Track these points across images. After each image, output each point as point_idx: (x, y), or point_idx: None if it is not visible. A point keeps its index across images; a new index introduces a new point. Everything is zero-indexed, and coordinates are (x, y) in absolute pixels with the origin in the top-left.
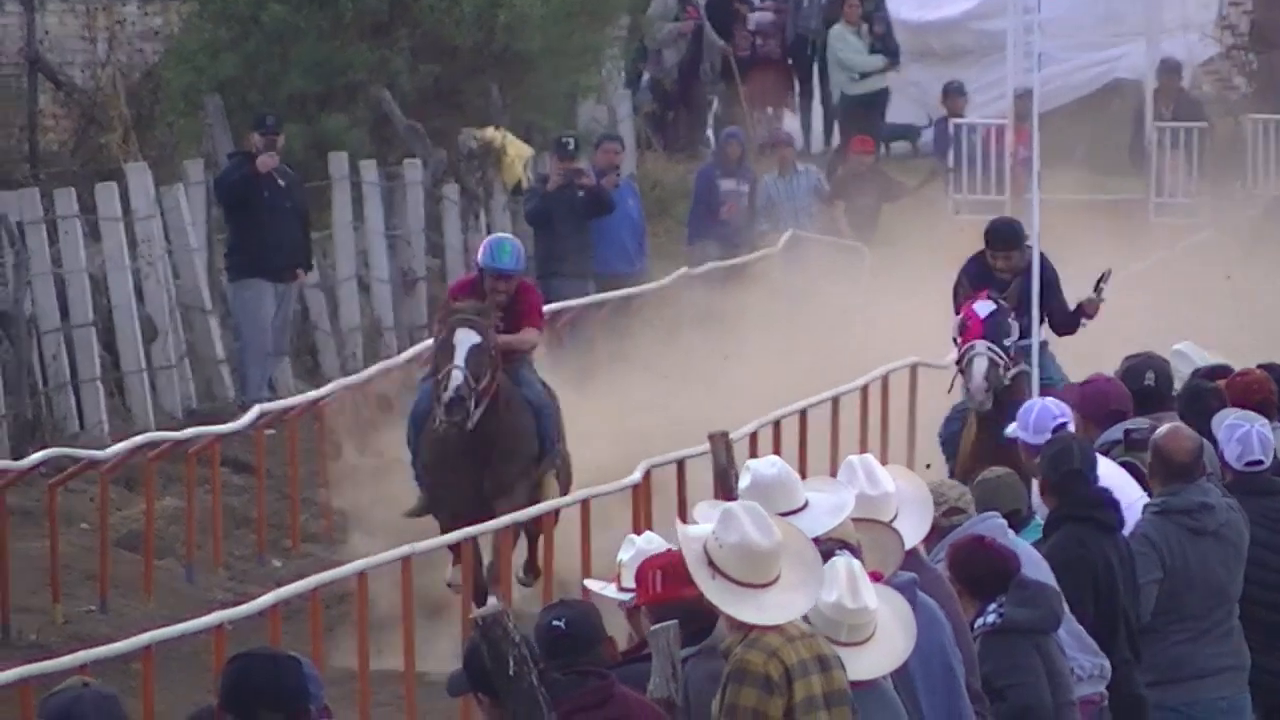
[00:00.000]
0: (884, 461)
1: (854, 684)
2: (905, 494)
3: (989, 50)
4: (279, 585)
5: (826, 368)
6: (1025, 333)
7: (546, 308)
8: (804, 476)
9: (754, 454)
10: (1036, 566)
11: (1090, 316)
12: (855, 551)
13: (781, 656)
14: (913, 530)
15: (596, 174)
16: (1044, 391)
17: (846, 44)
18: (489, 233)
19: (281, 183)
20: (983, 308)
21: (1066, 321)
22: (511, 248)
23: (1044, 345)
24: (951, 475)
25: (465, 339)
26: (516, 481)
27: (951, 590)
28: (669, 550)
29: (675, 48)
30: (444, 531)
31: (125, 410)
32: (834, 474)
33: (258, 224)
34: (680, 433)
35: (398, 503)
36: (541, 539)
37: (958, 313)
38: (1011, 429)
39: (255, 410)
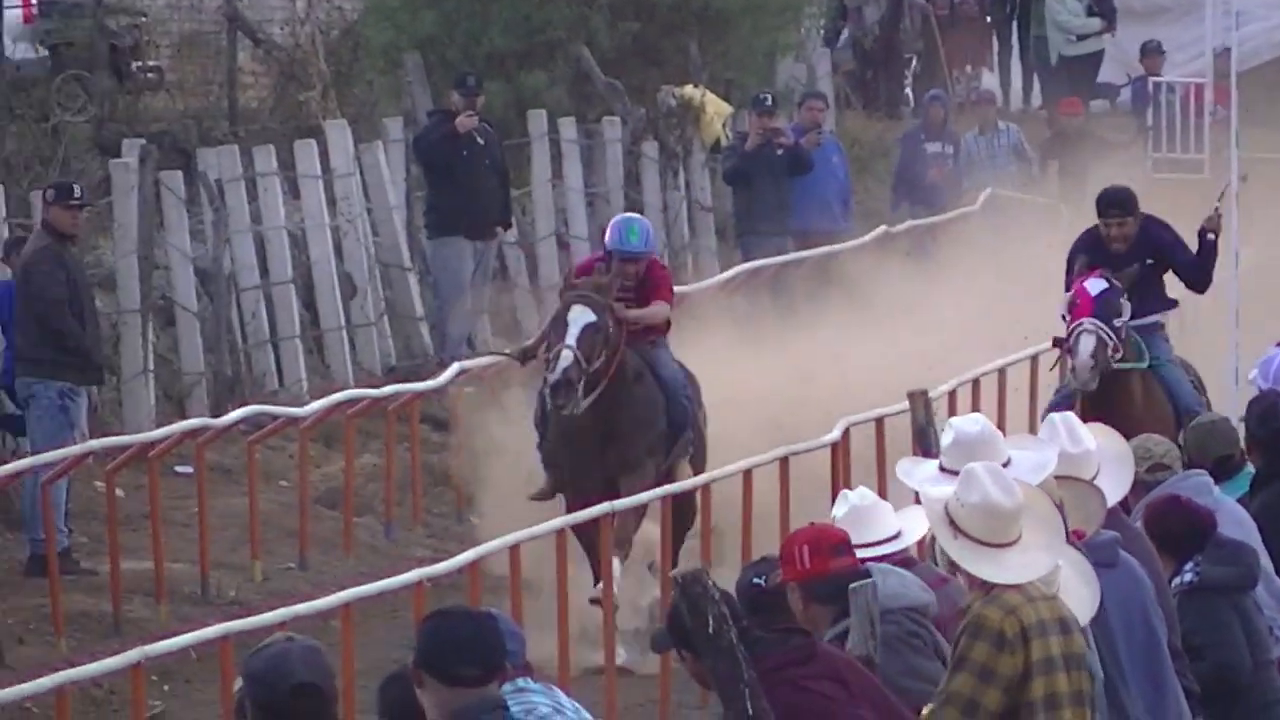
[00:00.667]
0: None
1: None
2: (1106, 451)
3: (1188, 8)
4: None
5: (1025, 325)
6: (1137, 314)
7: (745, 265)
8: (1004, 434)
9: (952, 412)
10: (1238, 524)
11: (1215, 233)
12: (1059, 509)
13: (1020, 615)
14: (1114, 487)
15: (800, 131)
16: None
17: (1065, 6)
18: (688, 191)
19: (480, 141)
20: (1094, 285)
21: (1198, 267)
22: (640, 228)
23: (1158, 326)
24: None
25: (580, 317)
26: (643, 458)
27: (1153, 548)
28: (813, 525)
29: (875, 5)
30: (578, 532)
31: (324, 367)
32: (1033, 432)
33: (457, 182)
34: (878, 390)
35: None
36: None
37: (1069, 289)
38: (1252, 375)
39: (455, 367)
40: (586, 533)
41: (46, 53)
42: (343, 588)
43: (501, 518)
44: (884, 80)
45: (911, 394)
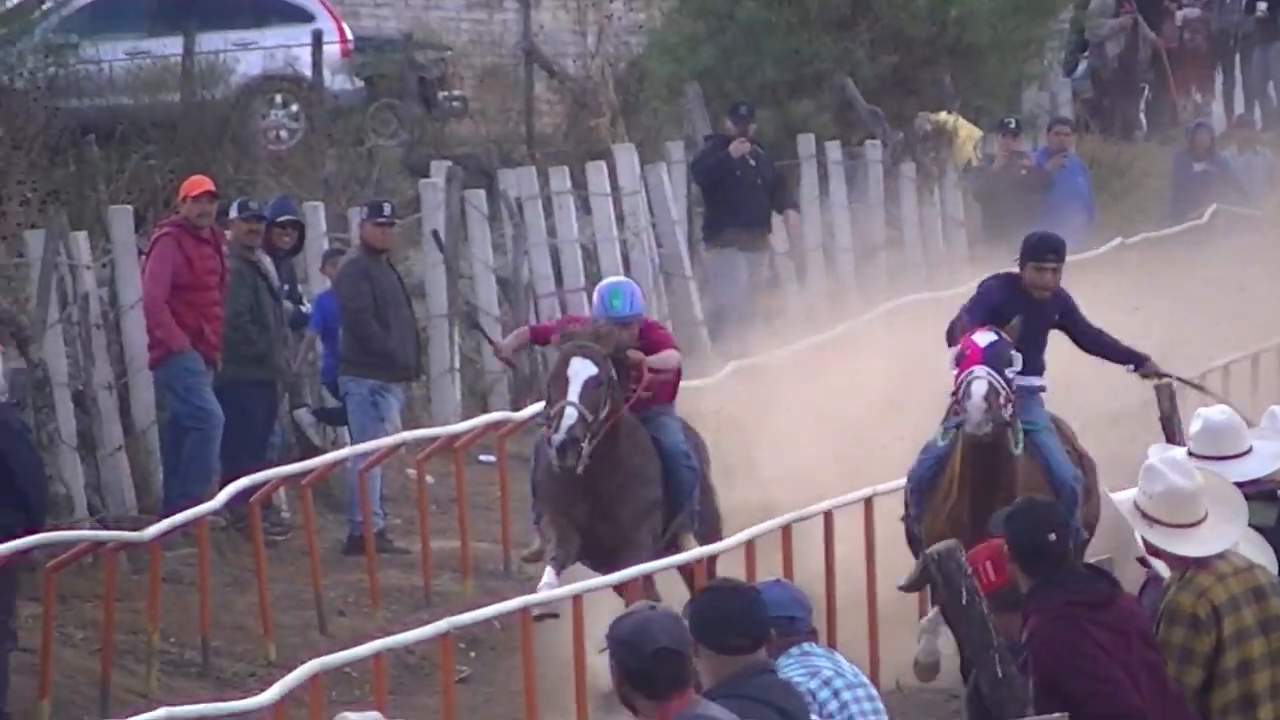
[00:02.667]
0: None
1: None
2: None
3: None
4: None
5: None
6: (1030, 369)
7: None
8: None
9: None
10: None
11: (1143, 376)
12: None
13: (1210, 596)
14: None
15: (1047, 154)
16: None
17: None
18: (943, 207)
19: (752, 162)
20: (983, 337)
21: (1108, 346)
22: (624, 291)
23: (1037, 390)
24: (920, 520)
25: (580, 370)
26: (638, 526)
27: None
28: (990, 541)
29: (1116, 40)
30: (555, 543)
31: None
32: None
33: (731, 199)
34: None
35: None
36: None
37: (954, 344)
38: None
39: (730, 366)
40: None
41: (362, 84)
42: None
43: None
44: (1120, 107)
45: (1158, 386)
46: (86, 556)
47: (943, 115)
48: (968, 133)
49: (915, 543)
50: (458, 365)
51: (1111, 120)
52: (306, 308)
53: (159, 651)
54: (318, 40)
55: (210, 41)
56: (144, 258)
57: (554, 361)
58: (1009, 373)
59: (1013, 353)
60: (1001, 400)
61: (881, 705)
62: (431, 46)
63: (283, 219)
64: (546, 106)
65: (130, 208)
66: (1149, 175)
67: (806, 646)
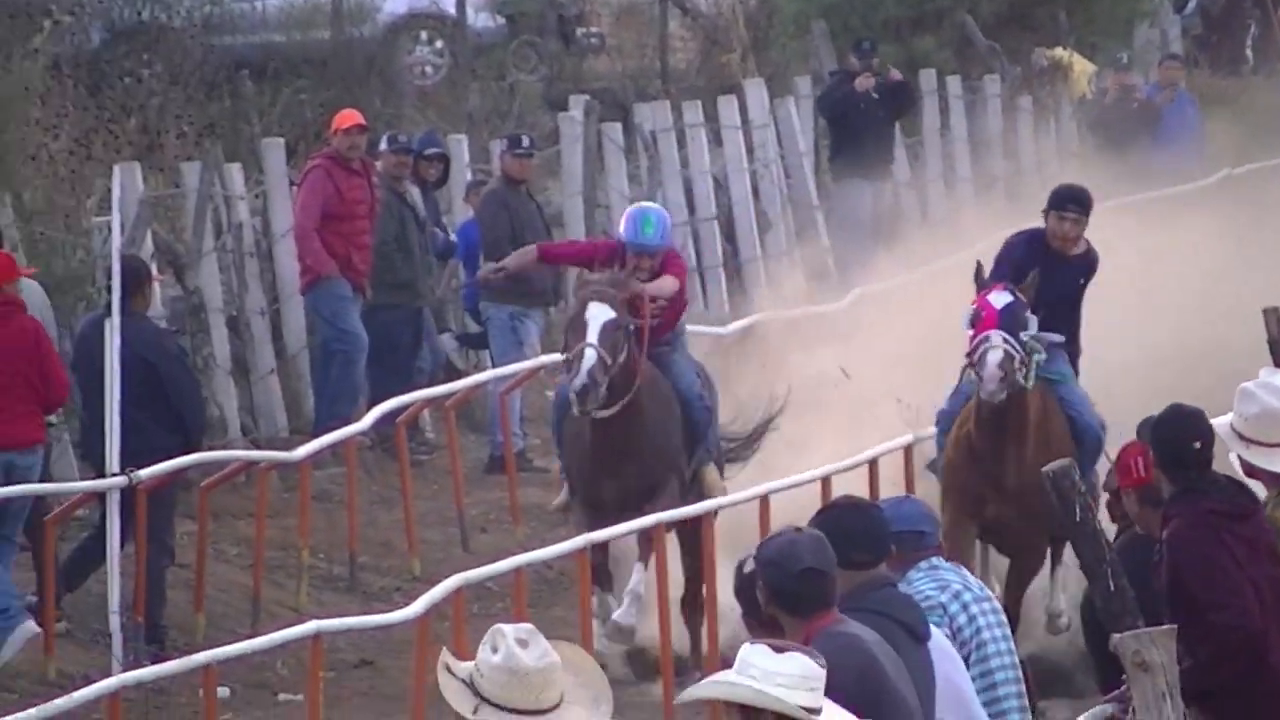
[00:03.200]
0: None
1: None
2: None
3: None
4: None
5: None
6: (1048, 323)
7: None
8: None
9: None
10: None
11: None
12: None
13: None
14: None
15: (1158, 88)
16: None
17: None
18: (1058, 138)
19: (876, 96)
20: (999, 299)
21: (1067, 324)
22: (656, 219)
23: (1061, 345)
24: (936, 463)
25: (598, 314)
26: (663, 483)
27: None
28: (1137, 442)
29: None
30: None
31: (742, 292)
32: None
33: (855, 132)
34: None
35: None
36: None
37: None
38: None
39: (855, 292)
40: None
41: (504, 21)
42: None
43: None
44: (1227, 43)
45: (1265, 310)
46: (239, 476)
47: (1058, 51)
48: (1082, 68)
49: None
50: None
51: (1219, 55)
52: (452, 237)
53: (308, 567)
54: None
55: None
56: (295, 189)
57: (572, 307)
58: (1024, 335)
59: (1028, 314)
60: (1016, 364)
61: (1005, 619)
62: None
63: (429, 152)
64: (680, 43)
65: (282, 141)
66: (1255, 109)
67: (935, 561)
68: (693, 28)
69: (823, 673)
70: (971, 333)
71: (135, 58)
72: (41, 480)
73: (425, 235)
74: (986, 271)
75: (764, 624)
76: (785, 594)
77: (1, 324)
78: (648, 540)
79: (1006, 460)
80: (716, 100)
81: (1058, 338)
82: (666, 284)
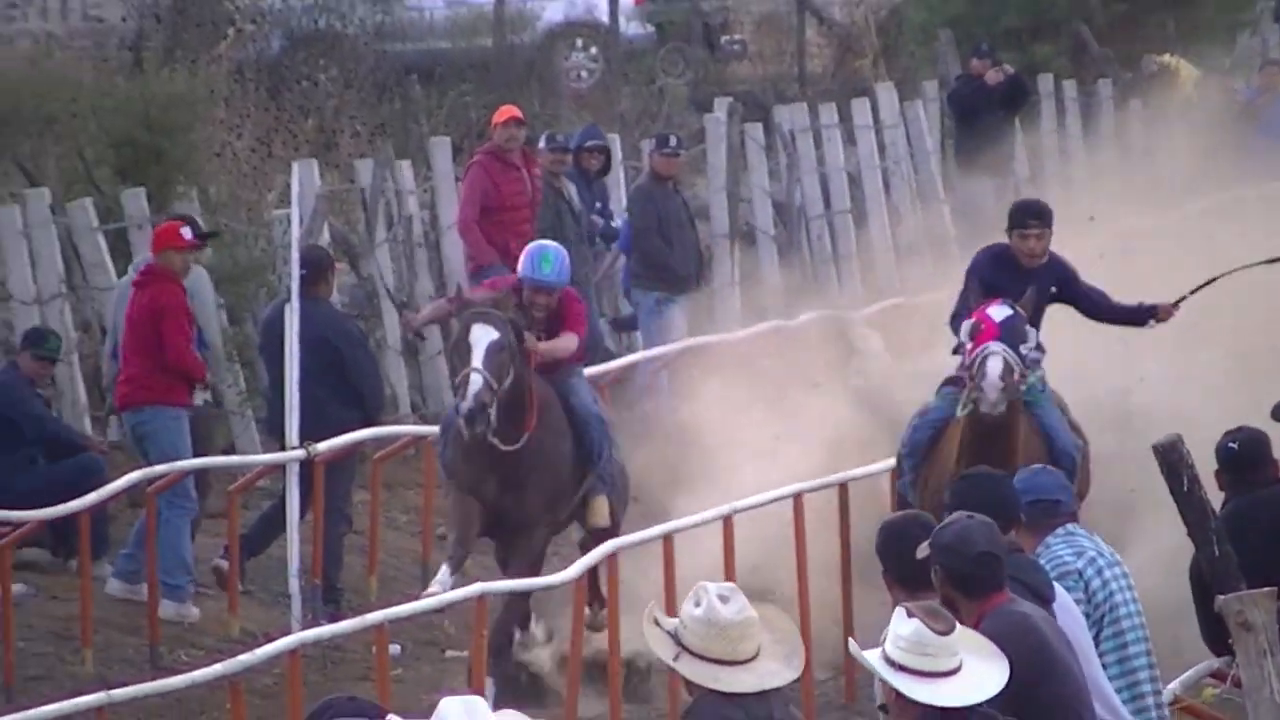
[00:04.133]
0: None
1: None
2: None
3: None
4: None
5: None
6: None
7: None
8: None
9: None
10: None
11: (1161, 320)
12: None
13: None
14: None
15: (1259, 91)
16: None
17: None
18: (1166, 139)
19: (998, 93)
20: (999, 311)
21: (1110, 311)
22: (554, 256)
23: (1037, 361)
24: (915, 484)
25: (482, 336)
26: (539, 520)
27: None
28: None
29: None
30: (454, 540)
31: (875, 280)
32: None
33: (979, 129)
34: None
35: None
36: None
37: (967, 317)
38: None
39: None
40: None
41: (653, 29)
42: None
43: None
44: None
45: None
46: (409, 449)
47: (1166, 57)
48: (1188, 73)
49: (906, 507)
50: (738, 279)
51: None
52: (616, 222)
53: None
54: None
55: None
56: (459, 184)
57: (455, 330)
58: (1023, 348)
59: (1027, 328)
60: (1016, 377)
61: (1133, 583)
62: None
63: (590, 144)
64: (816, 49)
65: (448, 139)
66: None
67: (1070, 528)
68: (828, 35)
69: (939, 639)
70: (970, 345)
71: (312, 63)
72: (204, 450)
73: (581, 226)
74: (958, 288)
75: (903, 583)
76: (961, 577)
77: (138, 291)
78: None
79: None
80: (850, 102)
81: (1035, 354)
82: (563, 344)
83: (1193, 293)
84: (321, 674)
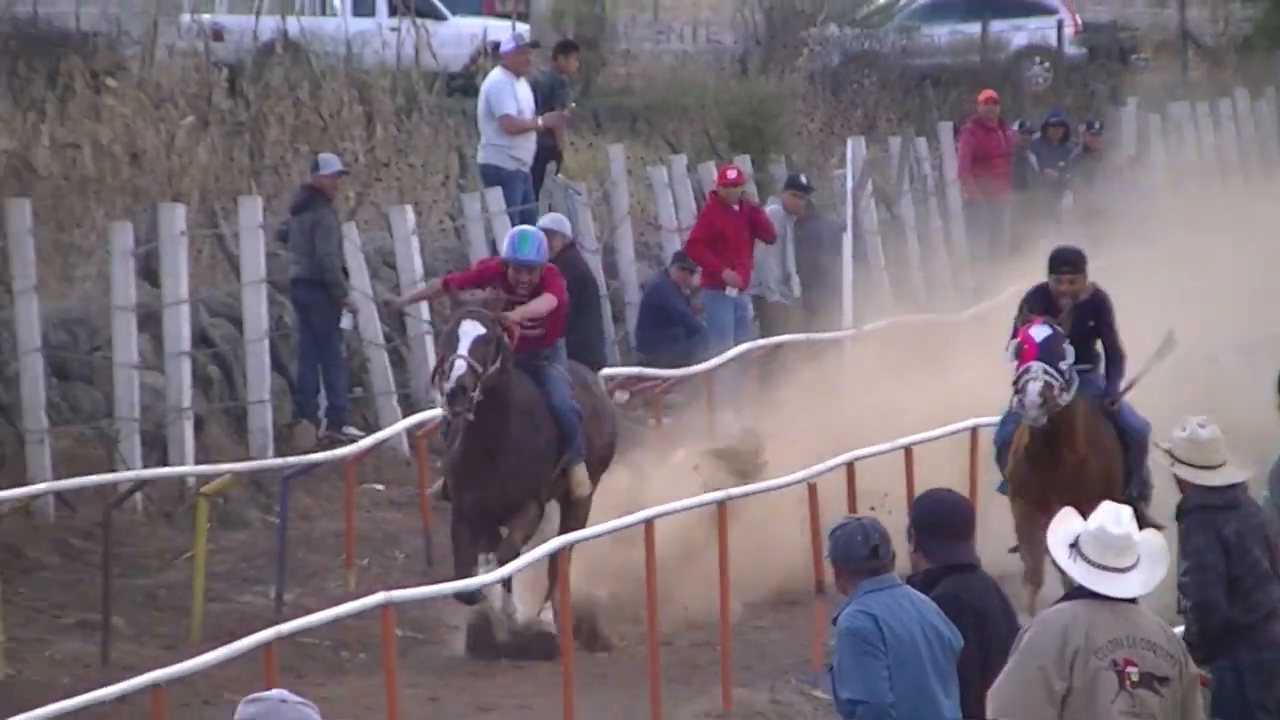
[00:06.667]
0: None
1: None
2: None
3: None
4: None
5: None
6: (1079, 359)
7: None
8: None
9: None
10: None
11: (1111, 407)
12: None
13: None
14: None
15: None
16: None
17: None
18: None
19: None
20: (1039, 332)
21: (1111, 361)
22: (533, 239)
23: (1091, 369)
24: (1003, 468)
25: (470, 330)
26: (526, 501)
27: None
28: None
29: None
30: (454, 527)
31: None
32: None
33: None
34: None
35: None
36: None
37: (1014, 337)
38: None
39: None
40: (462, 536)
41: (1085, 50)
42: None
43: None
44: None
45: None
46: None
47: None
48: None
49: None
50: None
51: None
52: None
53: None
54: (1059, 25)
55: (997, 25)
56: (956, 148)
57: (448, 324)
58: (1062, 365)
59: (1065, 345)
60: (1055, 391)
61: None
62: (1126, 28)
63: (1053, 120)
64: (1194, 63)
65: (950, 123)
66: None
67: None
68: (1202, 54)
69: (1124, 538)
70: (1015, 363)
71: (860, 72)
72: None
73: (1038, 175)
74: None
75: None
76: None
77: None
78: (509, 544)
79: (1063, 463)
80: (1217, 101)
81: (1087, 367)
82: (541, 303)
83: (1150, 366)
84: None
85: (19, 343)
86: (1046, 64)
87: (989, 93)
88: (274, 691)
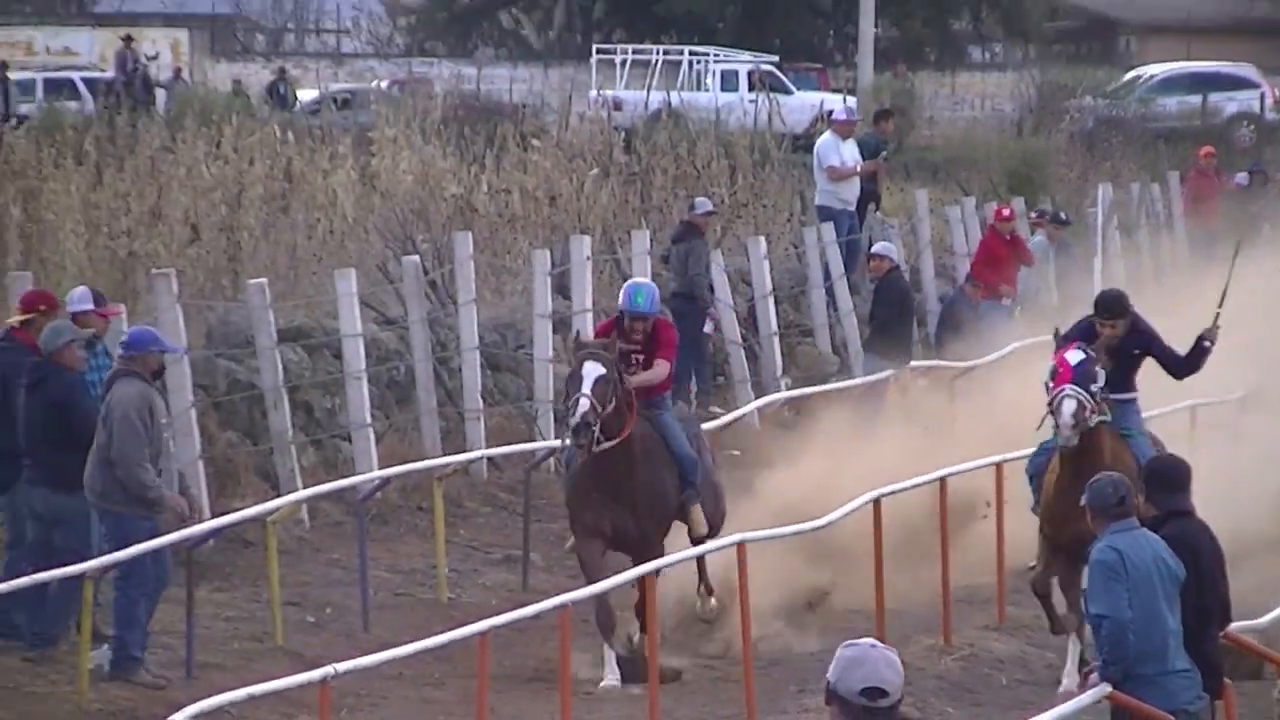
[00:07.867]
0: None
1: None
2: None
3: None
4: None
5: None
6: (1115, 387)
7: None
8: None
9: None
10: None
11: (1211, 341)
12: None
13: None
14: None
15: None
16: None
17: None
18: None
19: None
20: (1073, 356)
21: (1182, 362)
22: (646, 291)
23: (1131, 401)
24: (1038, 498)
25: (591, 371)
26: (654, 532)
27: None
28: None
29: None
30: (584, 567)
31: None
32: None
33: None
34: None
35: None
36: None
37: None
38: None
39: None
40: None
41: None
42: None
43: None
44: None
45: None
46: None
47: None
48: None
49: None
50: None
51: None
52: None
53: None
54: (1261, 96)
55: (1214, 97)
56: (1182, 187)
57: (573, 365)
58: (1094, 387)
59: (1098, 369)
60: (1087, 413)
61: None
62: None
63: (1255, 170)
64: None
65: (1177, 172)
66: None
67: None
68: None
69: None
70: (1051, 385)
71: (1109, 133)
72: None
73: (1241, 216)
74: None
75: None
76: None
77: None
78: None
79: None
80: None
81: (1126, 396)
82: (653, 374)
83: (1220, 307)
84: None
85: (461, 343)
86: (1252, 126)
87: (1208, 148)
88: (865, 640)
